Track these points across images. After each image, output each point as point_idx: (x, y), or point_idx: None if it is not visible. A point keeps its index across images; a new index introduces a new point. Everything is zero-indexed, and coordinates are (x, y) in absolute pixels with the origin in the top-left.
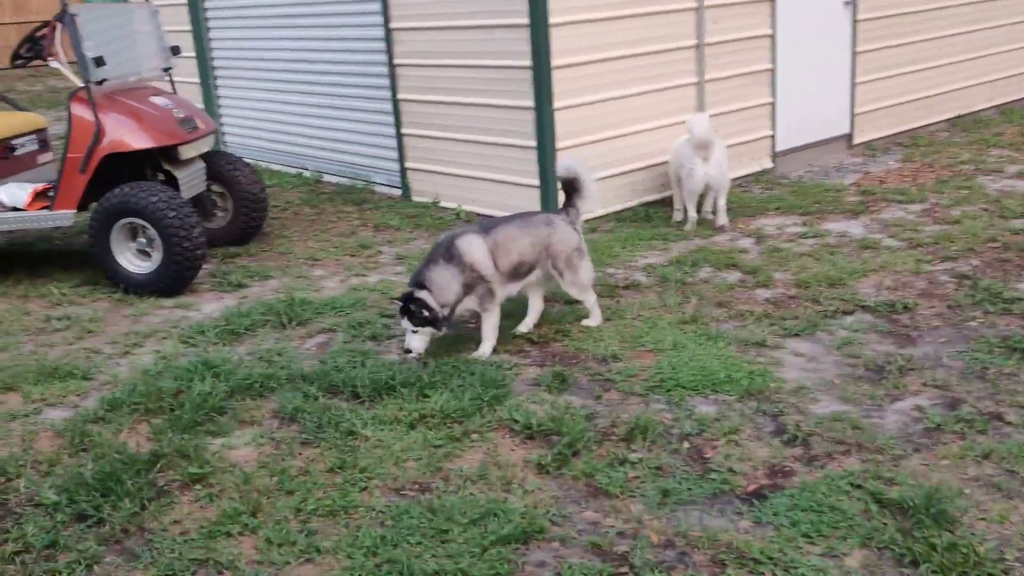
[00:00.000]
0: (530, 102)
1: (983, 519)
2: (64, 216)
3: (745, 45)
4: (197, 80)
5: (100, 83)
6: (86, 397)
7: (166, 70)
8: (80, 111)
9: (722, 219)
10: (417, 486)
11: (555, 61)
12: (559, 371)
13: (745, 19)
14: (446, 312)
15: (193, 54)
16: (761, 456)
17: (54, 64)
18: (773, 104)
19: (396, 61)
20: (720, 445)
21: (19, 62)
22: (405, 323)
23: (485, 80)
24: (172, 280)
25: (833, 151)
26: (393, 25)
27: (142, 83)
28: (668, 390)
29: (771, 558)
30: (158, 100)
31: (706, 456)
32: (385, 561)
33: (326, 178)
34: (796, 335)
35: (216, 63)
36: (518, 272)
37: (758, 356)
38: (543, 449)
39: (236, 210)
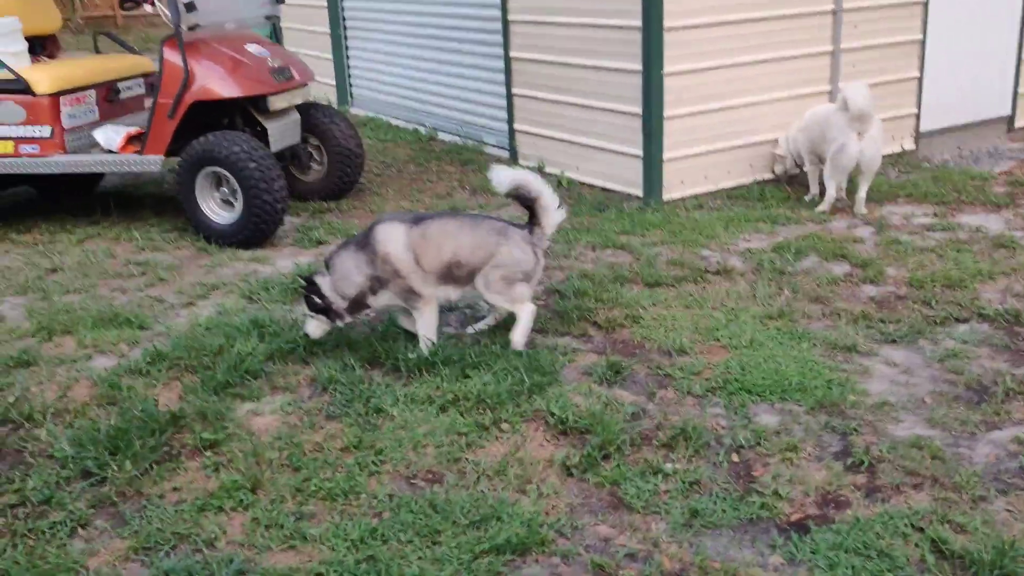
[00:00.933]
0: (638, 65)
1: None
2: (153, 161)
3: (892, 13)
4: (327, 30)
5: (192, 28)
6: (135, 347)
7: (269, 17)
8: (171, 56)
9: (862, 207)
10: (430, 476)
11: (668, 22)
12: (615, 361)
13: None
14: (344, 304)
15: (325, 4)
16: (816, 480)
17: (149, 8)
18: (920, 79)
19: (510, 16)
20: (772, 463)
21: (128, 4)
22: (303, 306)
23: (594, 40)
24: (251, 232)
25: (989, 134)
26: None
27: (241, 30)
28: (730, 393)
29: None
30: (253, 48)
31: (754, 474)
32: (367, 558)
33: (441, 136)
34: (894, 342)
35: (347, 14)
36: (454, 275)
37: (844, 363)
38: (574, 448)
39: (331, 164)
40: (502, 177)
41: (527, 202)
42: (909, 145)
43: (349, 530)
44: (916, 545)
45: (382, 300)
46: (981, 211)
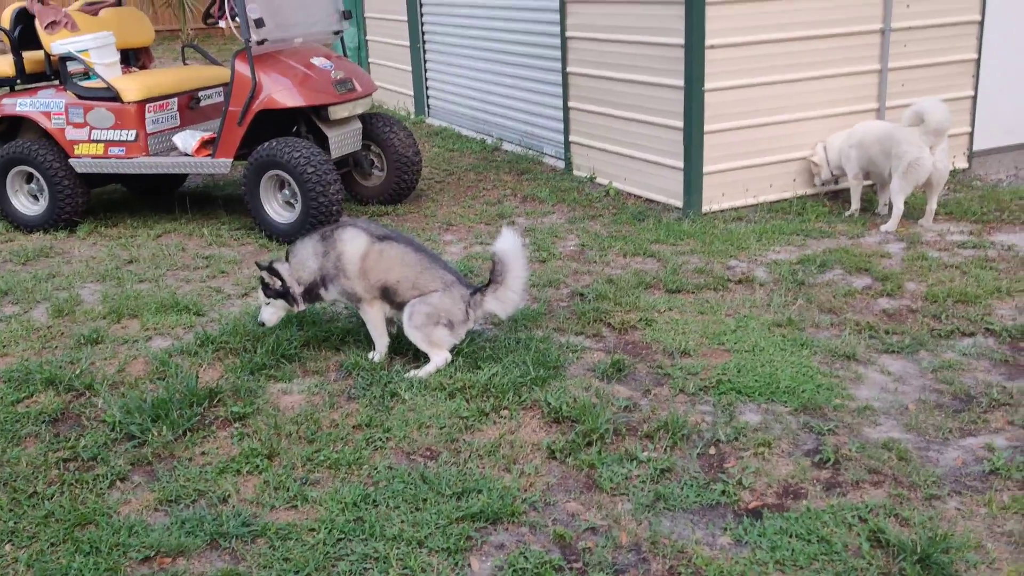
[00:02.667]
0: (680, 81)
1: None
2: (222, 164)
3: (943, 32)
4: (407, 43)
5: (261, 43)
6: (190, 331)
7: (337, 32)
8: (241, 68)
9: (931, 219)
10: (428, 453)
11: (709, 40)
12: (619, 359)
13: (946, 3)
14: (300, 290)
15: (405, 18)
16: (781, 473)
17: (221, 24)
18: (974, 98)
19: (568, 33)
20: (745, 456)
21: (211, 20)
22: (260, 294)
23: (642, 56)
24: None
25: None
26: None
27: (308, 44)
28: (721, 392)
29: None
30: (318, 61)
31: (725, 466)
32: (355, 518)
33: (505, 146)
34: (894, 352)
35: (426, 28)
36: (389, 298)
37: (840, 369)
38: (563, 435)
39: (390, 171)
40: (501, 239)
41: (494, 274)
42: (962, 164)
43: (345, 495)
44: (858, 535)
45: (332, 294)
46: (1018, 231)
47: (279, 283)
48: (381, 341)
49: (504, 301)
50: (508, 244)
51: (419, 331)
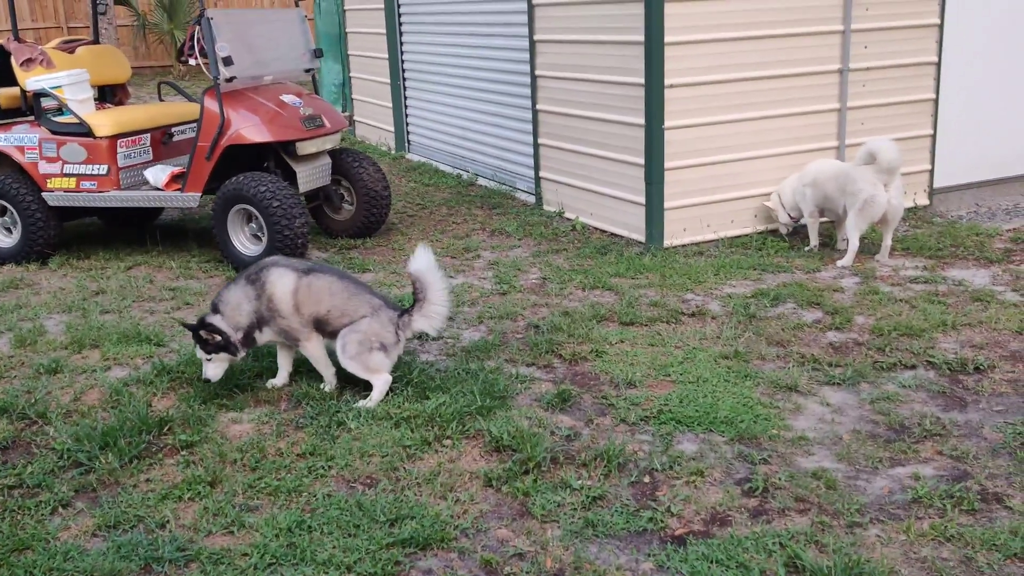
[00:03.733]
0: (641, 120)
1: None
2: (191, 198)
3: (901, 72)
4: (387, 80)
5: (230, 80)
6: (149, 361)
7: (308, 71)
8: (210, 105)
9: (886, 255)
10: (368, 480)
11: (668, 80)
12: (566, 390)
13: (903, 44)
14: (239, 336)
15: (386, 56)
16: (710, 501)
17: (192, 62)
18: (933, 136)
19: (537, 72)
20: (677, 484)
21: (182, 58)
22: (199, 352)
23: (605, 95)
24: None
25: (1012, 191)
26: (536, 37)
27: (279, 82)
28: (661, 422)
29: None
30: (288, 98)
31: (657, 494)
32: (288, 544)
33: (480, 181)
34: (836, 384)
35: (406, 66)
36: (322, 328)
37: (781, 400)
38: (502, 464)
39: (359, 205)
40: (414, 259)
41: (416, 292)
42: (923, 200)
43: (281, 521)
44: (775, 560)
45: (267, 335)
46: (973, 265)
47: (218, 337)
48: (328, 372)
49: (431, 316)
50: (422, 262)
51: (354, 360)
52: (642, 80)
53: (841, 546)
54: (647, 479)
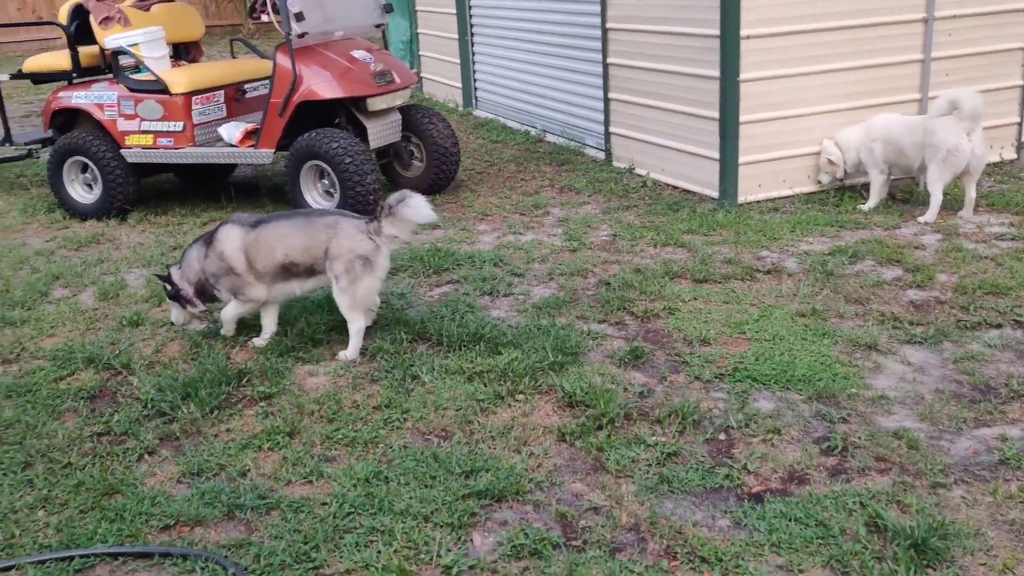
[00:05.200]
0: (716, 72)
1: (984, 564)
2: (265, 155)
3: (990, 20)
4: (455, 36)
5: (301, 36)
6: None
7: (378, 26)
8: (282, 61)
9: (970, 210)
10: (443, 433)
11: (744, 31)
12: (638, 347)
13: None
14: (191, 291)
15: (454, 11)
16: (787, 460)
17: (264, 18)
18: (1023, 87)
19: (608, 25)
20: (753, 442)
21: (255, 15)
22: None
23: (679, 47)
24: None
25: None
26: None
27: (350, 37)
28: (737, 380)
29: (720, 560)
30: (359, 54)
31: (733, 451)
32: (366, 494)
33: (548, 137)
34: (917, 343)
35: (474, 21)
36: (293, 272)
37: (860, 359)
38: (575, 419)
39: (429, 162)
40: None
41: (389, 204)
42: (1010, 155)
43: (358, 471)
44: (856, 519)
45: (224, 293)
46: None
47: (168, 287)
48: (266, 334)
49: (401, 217)
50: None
51: (344, 294)
52: (717, 31)
53: (924, 507)
54: (722, 436)
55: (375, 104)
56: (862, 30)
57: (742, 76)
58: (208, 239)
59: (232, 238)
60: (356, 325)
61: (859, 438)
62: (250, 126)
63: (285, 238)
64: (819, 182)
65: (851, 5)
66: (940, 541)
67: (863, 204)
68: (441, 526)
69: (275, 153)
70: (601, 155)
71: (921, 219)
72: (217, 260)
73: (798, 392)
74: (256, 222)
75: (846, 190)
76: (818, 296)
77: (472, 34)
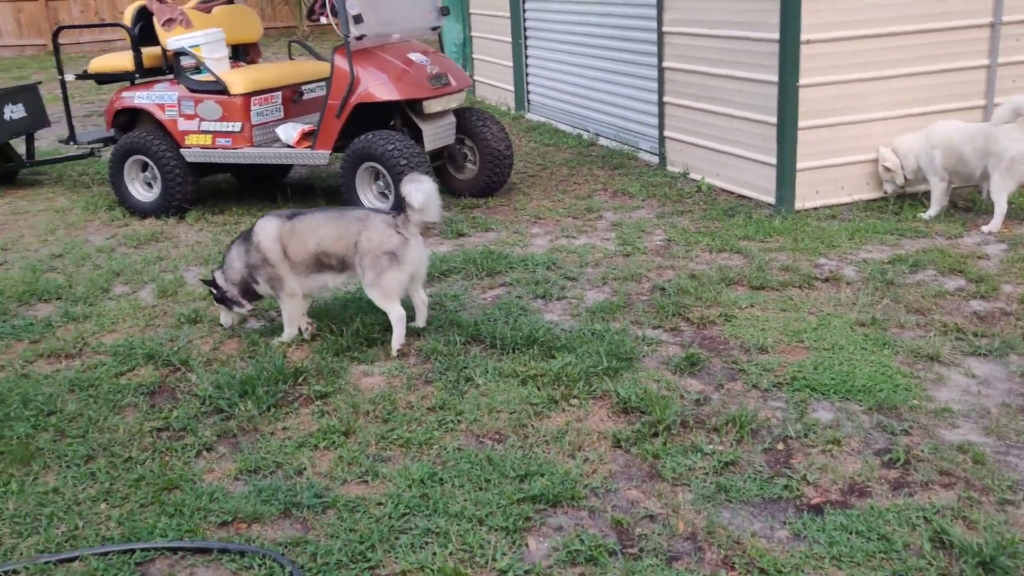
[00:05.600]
0: (774, 77)
1: None
2: (321, 156)
3: None
4: (508, 39)
5: (359, 38)
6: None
7: (434, 28)
8: (340, 63)
9: None
10: (496, 436)
11: (805, 35)
12: (694, 353)
13: None
14: (236, 291)
15: (508, 14)
16: (848, 472)
17: (323, 20)
18: None
19: (664, 28)
20: (813, 453)
21: (313, 17)
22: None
23: (736, 51)
24: None
25: None
26: None
27: (406, 40)
28: (795, 389)
29: (780, 571)
30: (415, 56)
31: (791, 461)
32: (421, 495)
33: (600, 141)
34: (982, 355)
35: (528, 24)
36: (324, 263)
37: (922, 370)
38: (631, 425)
39: (482, 164)
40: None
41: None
42: None
43: (413, 472)
44: (920, 534)
45: (263, 286)
46: None
47: (214, 291)
48: (291, 331)
49: (422, 204)
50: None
51: (374, 288)
52: (777, 35)
53: (992, 524)
54: (781, 446)
55: (431, 107)
56: (926, 35)
57: (801, 81)
58: (247, 235)
59: (269, 228)
60: (394, 314)
61: (922, 451)
62: (307, 127)
63: (318, 228)
64: (885, 192)
65: (915, 10)
66: (1009, 560)
67: (924, 212)
68: (496, 529)
69: (331, 154)
70: (655, 159)
71: (985, 228)
72: (255, 251)
73: (858, 403)
74: (292, 215)
75: (906, 197)
76: (878, 305)
77: (526, 37)
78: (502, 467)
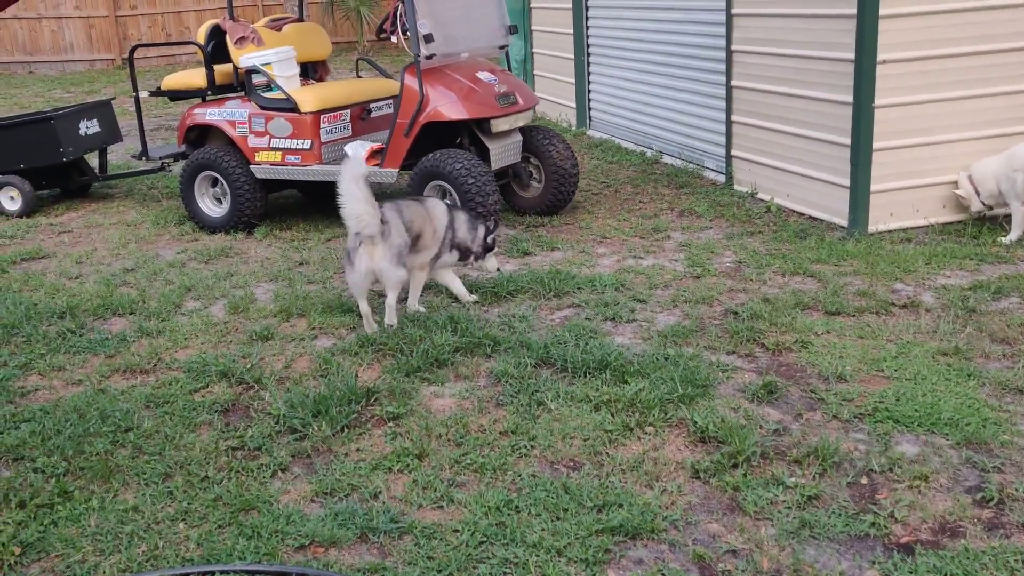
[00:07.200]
0: (849, 97)
1: None
2: (389, 174)
3: None
4: (571, 56)
5: (429, 57)
6: (353, 332)
7: (502, 47)
8: (410, 81)
9: None
10: (571, 463)
11: (881, 55)
12: (771, 381)
13: None
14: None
15: (571, 31)
16: (938, 509)
17: (393, 39)
18: None
19: (733, 47)
20: (899, 488)
21: (383, 35)
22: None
23: (808, 71)
24: None
25: None
26: (735, 10)
27: (475, 58)
28: (877, 421)
29: None
30: (483, 75)
31: (877, 497)
32: (498, 523)
33: (664, 159)
34: None
35: (591, 41)
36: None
37: (1011, 403)
38: (709, 455)
39: (547, 183)
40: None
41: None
42: None
43: (489, 499)
44: None
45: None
46: None
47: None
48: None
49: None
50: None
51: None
52: (852, 55)
53: None
54: (865, 480)
55: (498, 125)
56: (1006, 55)
57: (877, 102)
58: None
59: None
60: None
61: (1016, 490)
62: (375, 145)
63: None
64: (970, 213)
65: (994, 29)
66: None
67: (1004, 237)
68: (575, 561)
69: (399, 172)
70: (721, 178)
71: None
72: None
73: (944, 436)
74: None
75: (986, 221)
76: (960, 334)
77: (588, 54)
78: (579, 496)
